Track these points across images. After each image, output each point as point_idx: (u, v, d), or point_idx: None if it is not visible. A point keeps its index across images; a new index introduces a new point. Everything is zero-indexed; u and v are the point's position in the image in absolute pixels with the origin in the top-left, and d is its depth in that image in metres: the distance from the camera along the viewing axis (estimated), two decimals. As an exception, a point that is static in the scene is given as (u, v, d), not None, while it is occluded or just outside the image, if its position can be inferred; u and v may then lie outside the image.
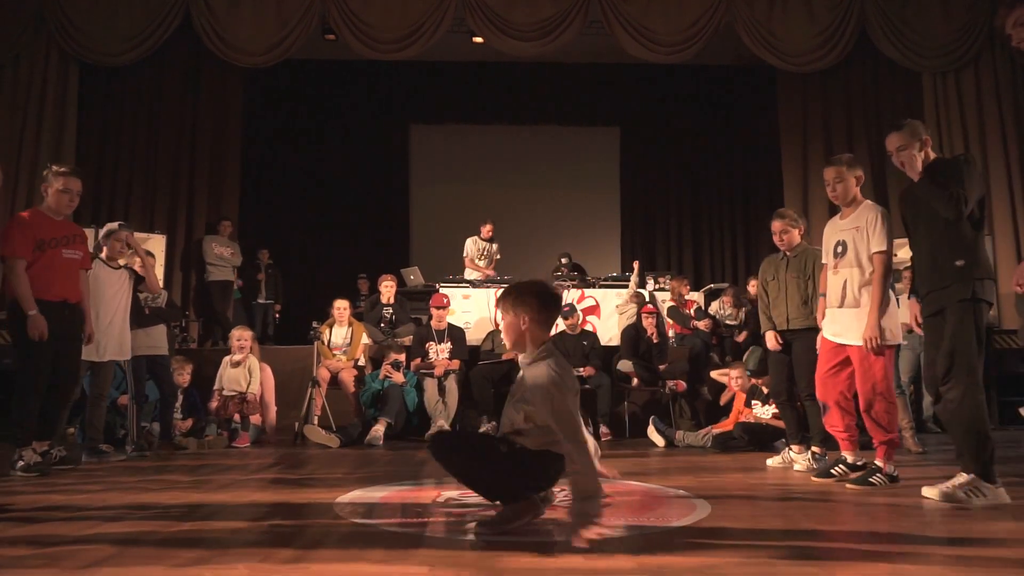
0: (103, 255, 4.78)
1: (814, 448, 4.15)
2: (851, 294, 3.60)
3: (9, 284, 3.93)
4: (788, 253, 4.28)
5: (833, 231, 3.77)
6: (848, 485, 3.47)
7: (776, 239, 4.31)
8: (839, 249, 3.67)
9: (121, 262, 4.87)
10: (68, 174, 4.12)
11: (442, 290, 7.23)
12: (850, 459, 3.70)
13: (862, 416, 3.58)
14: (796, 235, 4.28)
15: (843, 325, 3.63)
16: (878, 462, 3.48)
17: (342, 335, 6.31)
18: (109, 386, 4.82)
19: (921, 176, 3.13)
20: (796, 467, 4.13)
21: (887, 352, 3.52)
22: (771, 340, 4.26)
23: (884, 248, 3.52)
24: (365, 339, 6.40)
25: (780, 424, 4.74)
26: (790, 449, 4.27)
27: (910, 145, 3.15)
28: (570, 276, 8.19)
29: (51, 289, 3.98)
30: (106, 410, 4.89)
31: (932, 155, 3.20)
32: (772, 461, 4.31)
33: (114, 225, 4.89)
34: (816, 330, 3.95)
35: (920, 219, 3.17)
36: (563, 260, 8.58)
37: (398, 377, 5.84)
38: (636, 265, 8.03)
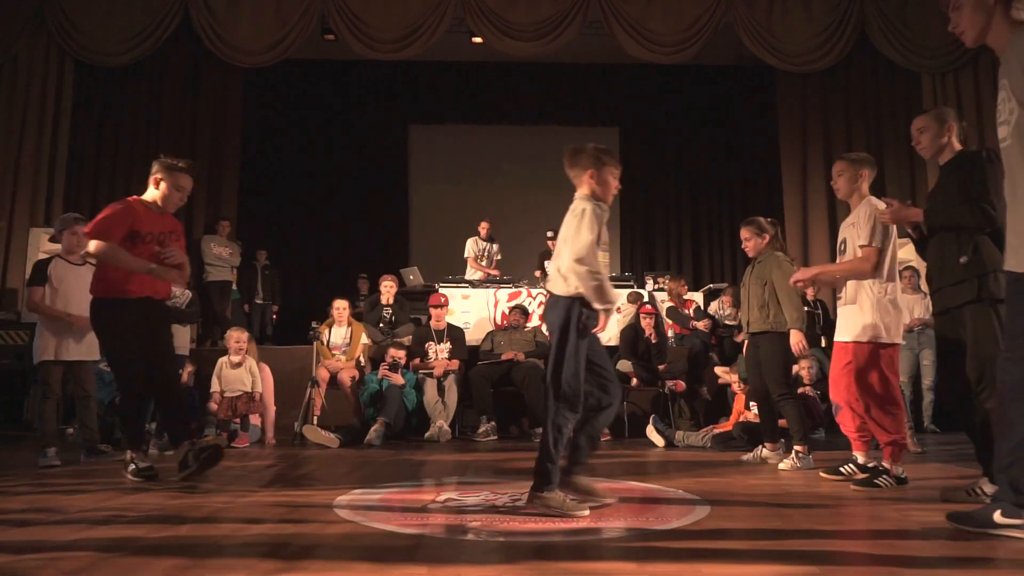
0: (61, 252, 4.47)
1: (797, 447, 4.16)
2: (850, 290, 3.58)
3: (105, 268, 3.57)
4: (757, 260, 4.42)
5: (841, 230, 3.76)
6: (852, 486, 3.44)
7: (744, 245, 4.47)
8: (842, 247, 3.68)
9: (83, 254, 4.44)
10: (184, 171, 3.71)
11: (441, 290, 7.22)
12: (861, 459, 3.67)
13: (864, 418, 3.55)
14: (759, 242, 4.39)
15: (842, 321, 3.62)
16: (885, 464, 3.43)
17: (341, 335, 6.30)
18: (92, 385, 4.65)
19: (941, 173, 3.08)
20: (780, 466, 4.15)
21: (884, 352, 3.46)
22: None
23: (867, 243, 3.45)
24: (364, 339, 6.40)
25: (780, 424, 4.74)
26: (764, 447, 4.39)
27: (929, 128, 3.11)
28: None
29: (133, 285, 3.56)
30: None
31: (957, 145, 3.09)
32: (747, 457, 4.42)
33: (68, 217, 4.50)
34: (775, 334, 4.19)
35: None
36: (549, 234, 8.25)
37: (397, 379, 5.83)
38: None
